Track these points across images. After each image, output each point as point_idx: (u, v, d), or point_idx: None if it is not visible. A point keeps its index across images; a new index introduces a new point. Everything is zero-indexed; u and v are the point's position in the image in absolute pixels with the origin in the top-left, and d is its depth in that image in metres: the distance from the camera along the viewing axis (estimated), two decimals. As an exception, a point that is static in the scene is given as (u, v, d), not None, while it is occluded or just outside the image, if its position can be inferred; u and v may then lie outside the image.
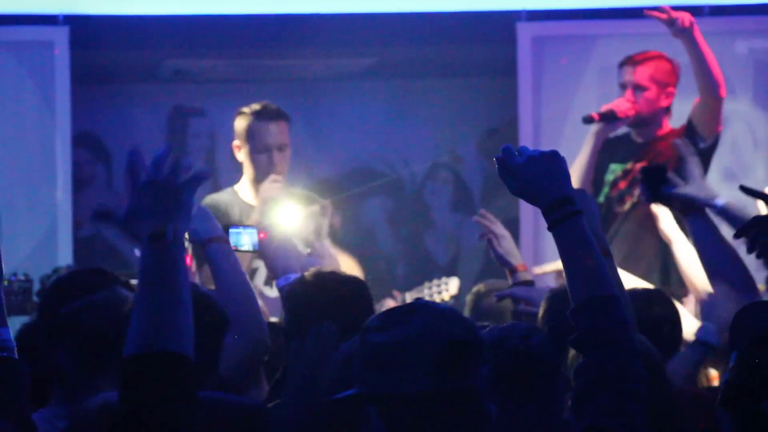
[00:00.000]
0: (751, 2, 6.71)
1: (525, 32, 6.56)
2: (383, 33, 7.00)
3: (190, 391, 2.38)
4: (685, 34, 5.48)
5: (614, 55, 6.09)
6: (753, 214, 4.31)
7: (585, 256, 2.57)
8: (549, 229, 2.58)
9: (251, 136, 5.27)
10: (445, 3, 6.95)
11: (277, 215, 4.92)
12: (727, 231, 4.51)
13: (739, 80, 6.34)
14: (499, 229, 4.17)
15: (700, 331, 3.83)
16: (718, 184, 6.16)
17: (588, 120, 5.72)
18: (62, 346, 3.12)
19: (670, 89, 5.60)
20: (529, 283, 4.10)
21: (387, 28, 6.93)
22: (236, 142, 5.35)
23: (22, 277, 5.45)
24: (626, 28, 6.47)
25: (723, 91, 5.55)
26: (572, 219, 2.57)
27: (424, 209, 7.69)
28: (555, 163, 2.62)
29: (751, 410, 2.47)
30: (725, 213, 4.44)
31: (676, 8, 6.21)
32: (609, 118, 5.58)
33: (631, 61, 5.64)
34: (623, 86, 5.60)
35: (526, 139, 6.52)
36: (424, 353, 2.12)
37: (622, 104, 5.52)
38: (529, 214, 6.41)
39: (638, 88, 5.55)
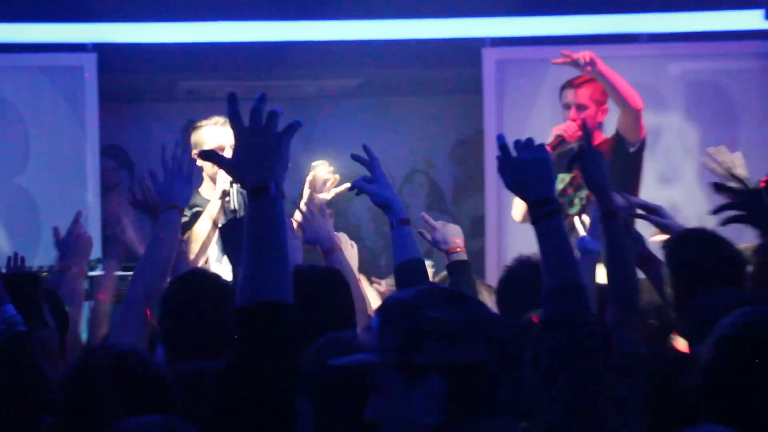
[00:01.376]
0: (682, 30, 6.75)
1: (489, 56, 6.67)
2: (366, 58, 7.13)
3: (294, 336, 2.35)
4: (591, 68, 5.58)
5: (565, 77, 6.08)
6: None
7: (559, 249, 2.63)
8: (532, 222, 2.68)
9: (206, 142, 5.26)
10: (420, 31, 6.95)
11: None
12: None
13: (671, 98, 6.50)
14: (435, 223, 4.31)
15: (579, 243, 3.91)
16: (654, 186, 6.28)
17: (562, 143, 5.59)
18: None
19: (604, 107, 5.66)
20: (464, 262, 4.21)
21: (370, 54, 7.04)
22: (194, 151, 5.08)
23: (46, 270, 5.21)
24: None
25: (637, 104, 5.62)
26: (552, 216, 2.65)
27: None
28: (545, 168, 2.74)
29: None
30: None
31: (617, 36, 6.60)
32: (560, 144, 5.59)
33: (572, 85, 5.71)
34: (567, 106, 5.66)
35: (491, 150, 6.38)
36: (488, 330, 2.16)
37: (570, 128, 5.54)
38: (493, 213, 6.60)
39: (581, 107, 5.60)
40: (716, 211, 3.36)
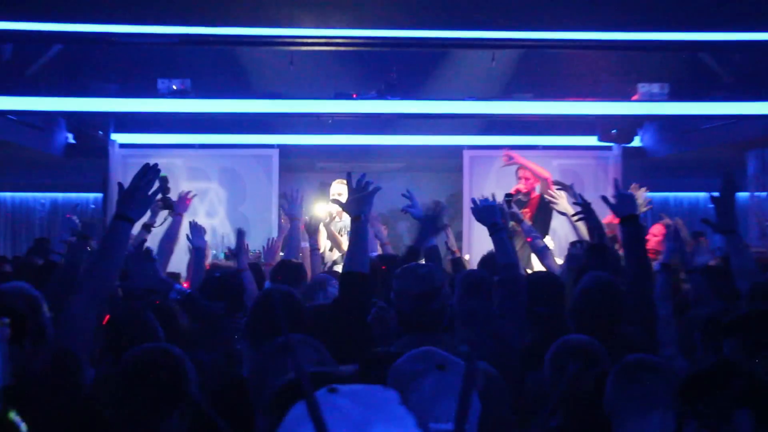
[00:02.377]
0: (560, 144, 9.53)
1: (467, 154, 9.35)
2: (406, 153, 9.93)
3: (369, 288, 2.91)
4: (517, 162, 7.60)
5: (504, 168, 8.25)
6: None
7: (505, 246, 3.65)
8: (490, 235, 3.66)
9: (333, 191, 6.93)
10: (432, 141, 9.70)
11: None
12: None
13: (555, 176, 7.62)
14: (451, 238, 5.49)
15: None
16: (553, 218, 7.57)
17: (509, 196, 6.62)
18: None
19: (536, 180, 7.47)
20: (461, 261, 5.28)
21: (407, 151, 9.89)
22: (332, 195, 6.81)
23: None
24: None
25: (544, 174, 7.39)
26: (500, 232, 3.65)
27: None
28: (494, 209, 3.84)
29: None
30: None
31: (528, 146, 8.87)
32: (517, 194, 6.96)
33: (522, 167, 7.58)
34: (520, 178, 7.50)
35: (467, 201, 8.37)
36: (408, 294, 2.79)
37: (522, 186, 7.29)
38: (467, 230, 8.90)
39: (527, 178, 7.49)
40: (575, 214, 4.57)
